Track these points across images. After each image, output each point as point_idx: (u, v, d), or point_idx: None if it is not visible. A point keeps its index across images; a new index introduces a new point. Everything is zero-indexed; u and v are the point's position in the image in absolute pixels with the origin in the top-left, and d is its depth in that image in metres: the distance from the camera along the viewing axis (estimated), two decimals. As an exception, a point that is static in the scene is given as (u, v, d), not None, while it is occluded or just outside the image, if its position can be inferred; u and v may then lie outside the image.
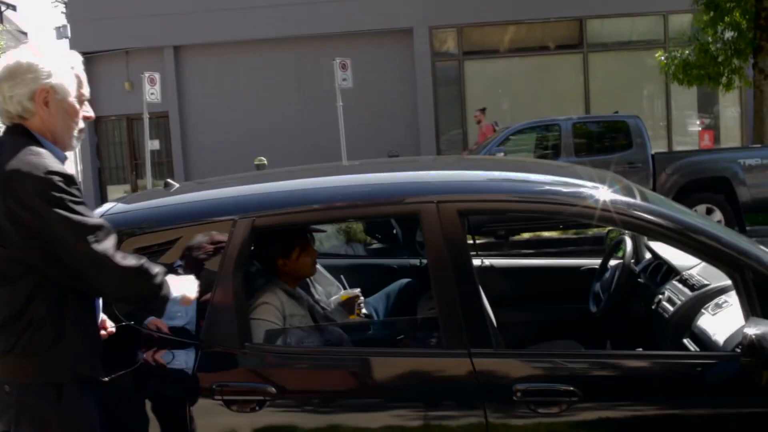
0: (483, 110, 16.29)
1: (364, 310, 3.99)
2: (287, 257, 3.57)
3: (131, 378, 3.03)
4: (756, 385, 2.81)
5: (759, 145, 13.23)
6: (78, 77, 2.66)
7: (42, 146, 2.55)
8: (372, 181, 3.34)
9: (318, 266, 4.20)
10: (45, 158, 2.49)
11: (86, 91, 2.70)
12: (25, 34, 44.66)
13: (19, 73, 2.54)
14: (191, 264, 3.12)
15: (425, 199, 3.10)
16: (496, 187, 3.34)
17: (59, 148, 2.65)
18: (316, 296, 4.03)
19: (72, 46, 19.89)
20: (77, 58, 2.72)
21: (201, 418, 2.96)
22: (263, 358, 3.07)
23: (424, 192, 3.18)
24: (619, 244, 4.32)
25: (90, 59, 19.85)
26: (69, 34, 20.74)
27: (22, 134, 2.57)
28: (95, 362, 2.65)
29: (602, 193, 3.10)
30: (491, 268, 4.61)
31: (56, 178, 2.45)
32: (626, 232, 4.30)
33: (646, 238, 4.30)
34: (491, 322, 3.21)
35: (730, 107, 19.47)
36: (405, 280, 4.38)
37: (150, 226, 3.27)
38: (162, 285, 2.66)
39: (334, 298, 4.14)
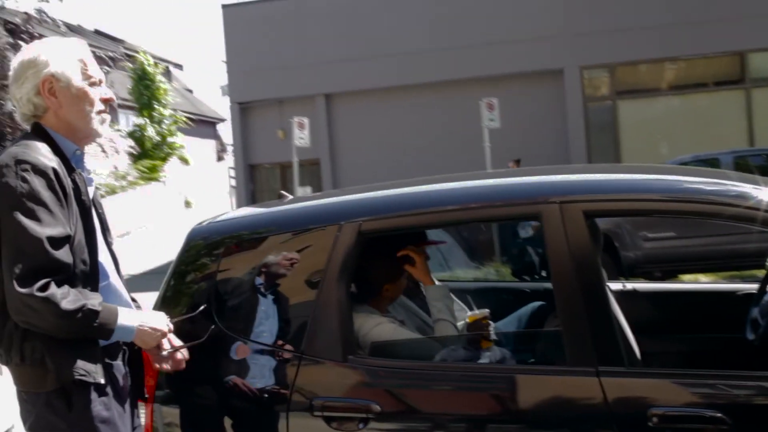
0: (518, 161, 15.62)
1: (493, 336, 3.68)
2: (394, 282, 3.34)
3: (225, 391, 2.87)
4: None
5: None
6: (82, 61, 2.56)
7: (47, 141, 2.46)
8: (487, 184, 3.06)
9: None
10: (29, 149, 2.39)
11: (95, 72, 2.59)
12: (191, 91, 46.98)
13: (21, 72, 2.49)
14: (293, 271, 2.94)
15: (547, 199, 2.79)
16: (630, 186, 2.97)
17: (82, 137, 2.58)
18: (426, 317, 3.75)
19: (230, 97, 20.67)
20: (78, 43, 2.63)
21: (298, 433, 2.75)
22: (368, 373, 2.82)
23: (546, 192, 2.86)
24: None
25: (245, 109, 20.60)
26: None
27: (33, 132, 2.50)
28: (93, 367, 2.43)
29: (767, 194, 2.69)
30: (634, 292, 4.19)
31: (23, 166, 2.33)
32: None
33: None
34: (624, 336, 2.83)
35: None
36: (537, 303, 4.04)
37: (253, 232, 3.12)
38: (97, 314, 2.37)
39: (460, 322, 3.86)
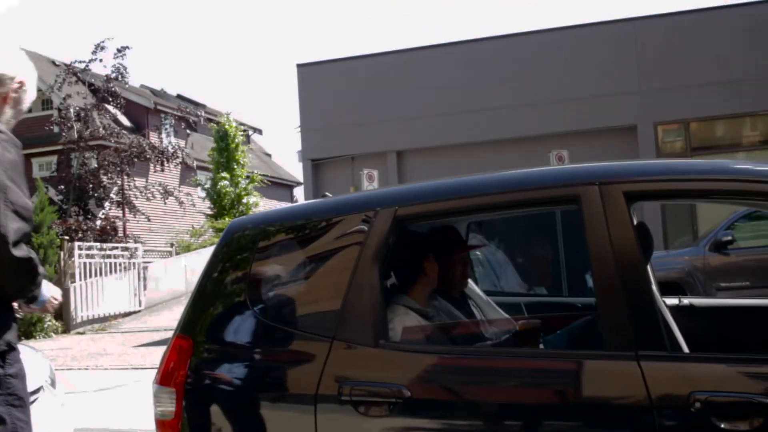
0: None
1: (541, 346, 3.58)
2: (432, 259, 3.27)
3: (256, 376, 2.84)
4: None
5: None
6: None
7: None
8: (525, 171, 2.99)
9: (490, 301, 3.86)
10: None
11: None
12: (269, 155, 47.87)
13: None
14: (329, 256, 2.92)
15: (586, 181, 2.71)
16: (672, 167, 2.86)
17: None
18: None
19: (303, 154, 20.97)
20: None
21: (325, 419, 2.68)
22: (399, 358, 2.75)
23: (585, 175, 2.79)
24: None
25: (318, 166, 20.84)
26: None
27: None
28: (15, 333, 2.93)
29: None
30: (690, 307, 4.03)
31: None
32: None
33: None
34: (666, 321, 2.70)
35: None
36: (590, 317, 3.91)
37: (290, 221, 3.12)
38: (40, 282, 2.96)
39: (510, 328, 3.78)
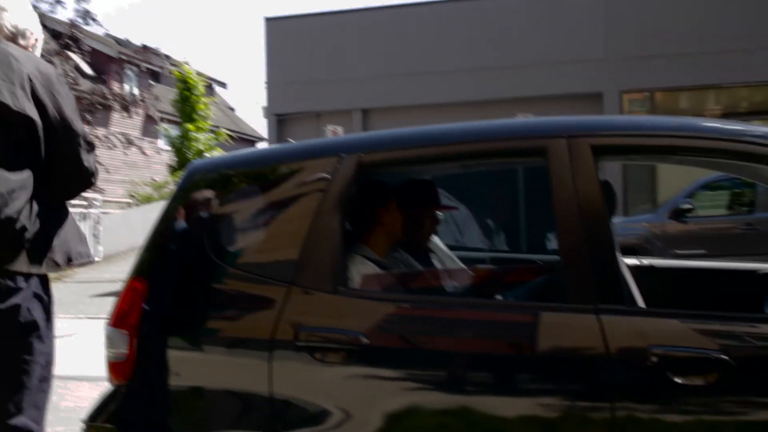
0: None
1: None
2: (390, 208, 3.24)
3: (209, 318, 2.80)
4: None
5: None
6: None
7: None
8: (494, 122, 2.96)
9: (453, 256, 3.84)
10: None
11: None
12: (233, 110, 47.38)
13: None
14: (290, 201, 2.86)
15: (554, 133, 2.68)
16: (641, 123, 2.84)
17: None
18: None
19: (268, 109, 20.78)
20: None
21: (280, 364, 2.65)
22: (357, 305, 2.72)
23: (553, 128, 2.76)
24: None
25: (283, 121, 20.68)
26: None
27: None
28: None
29: None
30: (651, 268, 4.05)
31: None
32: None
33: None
34: (626, 277, 2.70)
35: None
36: (551, 272, 3.91)
37: (252, 165, 3.06)
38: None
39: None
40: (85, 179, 3.07)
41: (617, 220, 12.83)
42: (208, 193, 2.98)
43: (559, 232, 2.59)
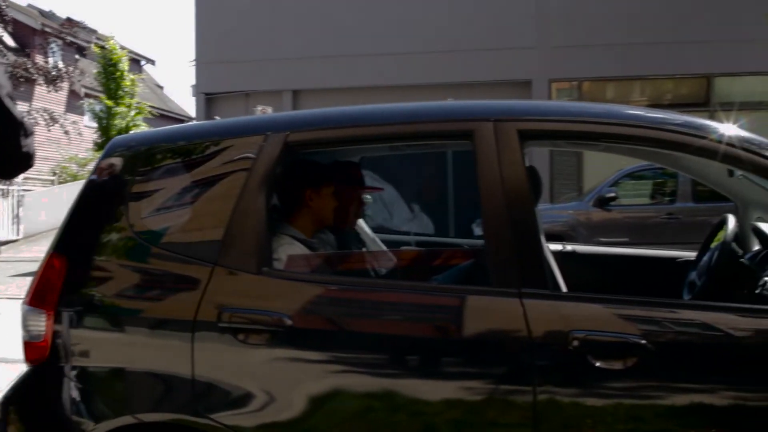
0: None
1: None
2: (317, 189, 3.21)
3: (131, 298, 2.74)
4: None
5: None
6: None
7: None
8: (422, 104, 2.96)
9: (376, 239, 3.84)
10: None
11: None
12: (161, 87, 46.58)
13: None
14: (215, 179, 2.81)
15: (481, 117, 2.69)
16: (566, 109, 2.88)
17: None
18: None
19: (197, 88, 20.46)
20: None
21: (203, 346, 2.61)
22: (282, 286, 2.69)
23: (480, 111, 2.77)
24: (722, 224, 3.75)
25: (212, 100, 20.39)
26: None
27: None
28: None
29: (729, 129, 2.65)
30: (573, 253, 4.10)
31: None
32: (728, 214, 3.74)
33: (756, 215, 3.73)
34: (550, 262, 2.73)
35: None
36: (477, 256, 3.93)
37: (177, 141, 2.99)
38: None
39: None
40: (23, 162, 2.96)
41: (544, 207, 13.04)
42: (126, 170, 2.90)
43: (484, 216, 2.61)
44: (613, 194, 11.63)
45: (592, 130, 2.74)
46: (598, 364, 2.41)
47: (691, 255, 3.99)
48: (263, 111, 13.32)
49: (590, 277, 4.02)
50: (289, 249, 3.10)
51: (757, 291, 3.32)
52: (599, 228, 11.59)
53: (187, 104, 42.57)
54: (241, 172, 2.75)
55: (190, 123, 3.25)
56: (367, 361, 2.58)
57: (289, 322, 2.57)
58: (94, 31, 33.78)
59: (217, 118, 3.44)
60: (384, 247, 3.88)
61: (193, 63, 20.83)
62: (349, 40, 19.22)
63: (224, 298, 2.64)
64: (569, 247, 4.14)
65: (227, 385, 2.61)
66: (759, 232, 3.78)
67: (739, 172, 3.25)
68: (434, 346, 2.58)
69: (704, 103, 18.42)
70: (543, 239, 2.75)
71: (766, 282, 3.28)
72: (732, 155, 2.57)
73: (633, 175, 11.99)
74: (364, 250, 3.68)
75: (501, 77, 18.63)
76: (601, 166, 15.90)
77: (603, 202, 11.69)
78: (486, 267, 2.60)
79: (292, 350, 2.60)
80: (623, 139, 2.73)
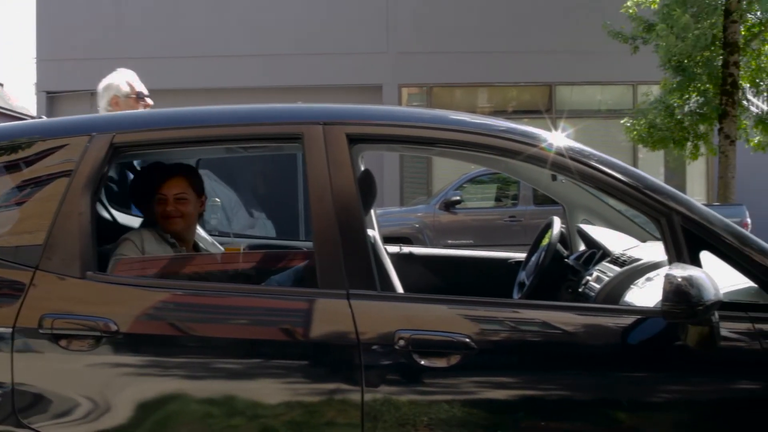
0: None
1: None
2: (156, 196, 3.16)
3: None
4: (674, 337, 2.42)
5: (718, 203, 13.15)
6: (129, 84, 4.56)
7: None
8: (252, 106, 2.95)
9: (215, 242, 3.80)
10: None
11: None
12: (1, 85, 44.46)
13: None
14: (37, 180, 2.71)
15: (310, 120, 2.71)
16: (394, 114, 2.94)
17: None
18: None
19: (37, 86, 19.62)
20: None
21: (23, 354, 2.51)
22: (108, 291, 2.62)
23: (309, 114, 2.79)
24: (548, 227, 3.92)
25: (54, 98, 19.59)
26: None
27: None
28: None
29: (557, 138, 2.74)
30: (410, 255, 4.19)
31: None
32: (554, 216, 3.92)
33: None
34: (382, 264, 2.78)
35: (696, 173, 19.33)
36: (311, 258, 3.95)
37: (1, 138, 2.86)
38: None
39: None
40: None
41: (392, 210, 13.24)
42: None
43: (313, 217, 2.63)
44: (458, 197, 11.95)
45: (419, 135, 2.80)
46: (423, 362, 2.46)
47: (522, 256, 4.14)
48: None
49: (428, 278, 4.12)
50: (135, 234, 3.03)
51: (580, 289, 3.49)
52: (446, 230, 11.87)
53: (30, 103, 40.73)
54: (66, 172, 2.66)
55: (11, 123, 3.12)
56: (195, 365, 2.54)
57: (114, 327, 2.50)
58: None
59: (43, 117, 3.31)
60: (221, 248, 3.84)
61: (35, 60, 19.98)
62: (197, 41, 18.89)
63: (46, 303, 2.55)
64: (406, 250, 4.22)
65: (49, 393, 2.51)
66: (583, 234, 3.97)
67: (561, 177, 3.39)
68: (267, 348, 2.56)
69: (547, 110, 19.16)
70: (377, 241, 2.79)
71: (588, 281, 3.44)
72: (561, 164, 2.68)
73: (473, 180, 12.38)
74: (197, 252, 3.63)
75: (352, 81, 18.76)
76: (449, 171, 16.30)
77: (449, 205, 11.99)
78: (315, 268, 2.61)
79: (118, 356, 2.53)
80: (450, 143, 2.80)
